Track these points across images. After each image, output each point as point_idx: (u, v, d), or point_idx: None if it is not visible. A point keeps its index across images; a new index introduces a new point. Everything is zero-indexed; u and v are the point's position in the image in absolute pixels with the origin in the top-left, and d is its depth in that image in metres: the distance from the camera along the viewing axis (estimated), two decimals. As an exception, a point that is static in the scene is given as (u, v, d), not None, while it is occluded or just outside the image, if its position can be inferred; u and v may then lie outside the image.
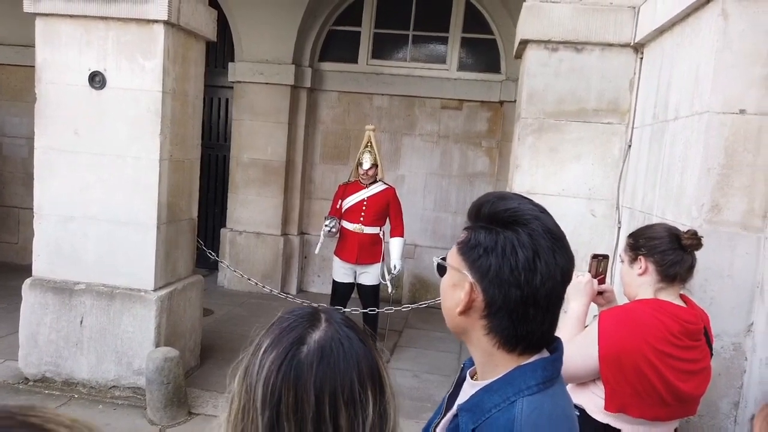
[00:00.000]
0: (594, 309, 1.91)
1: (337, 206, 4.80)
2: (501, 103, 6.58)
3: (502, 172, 5.96)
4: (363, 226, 4.69)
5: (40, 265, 3.89)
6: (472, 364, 1.05)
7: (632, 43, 3.18)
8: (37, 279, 3.88)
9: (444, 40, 6.77)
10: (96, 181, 3.77)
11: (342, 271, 4.84)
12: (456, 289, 0.97)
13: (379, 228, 4.79)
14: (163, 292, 3.86)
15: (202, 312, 4.57)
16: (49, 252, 3.87)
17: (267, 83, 6.49)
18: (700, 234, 1.76)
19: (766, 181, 2.13)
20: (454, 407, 0.99)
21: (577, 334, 1.76)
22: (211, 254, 4.52)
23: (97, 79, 3.67)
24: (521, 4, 3.43)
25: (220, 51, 6.79)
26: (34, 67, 3.83)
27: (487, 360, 0.97)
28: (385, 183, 4.83)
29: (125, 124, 3.71)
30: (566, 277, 0.94)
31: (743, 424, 2.18)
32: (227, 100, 7.06)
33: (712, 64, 2.14)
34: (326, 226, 4.67)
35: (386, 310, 4.69)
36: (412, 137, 6.80)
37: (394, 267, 4.78)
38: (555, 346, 0.98)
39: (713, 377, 2.14)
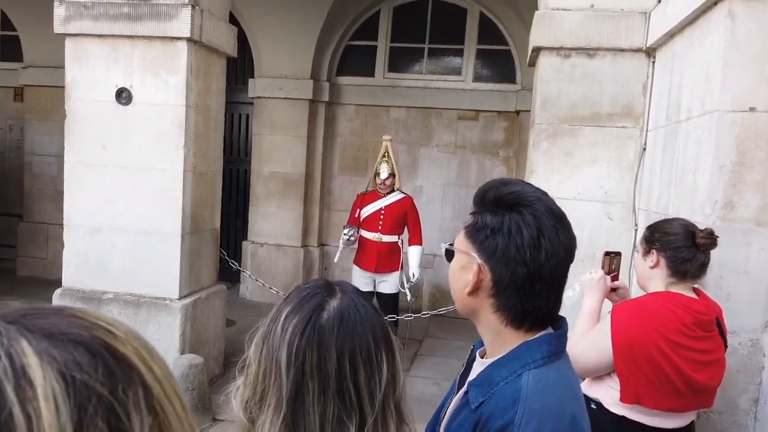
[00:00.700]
0: (608, 306, 1.94)
1: (356, 215, 4.87)
2: (517, 112, 6.62)
3: (520, 181, 5.98)
4: (381, 235, 4.75)
5: (69, 276, 4.02)
6: (482, 345, 1.11)
7: (644, 48, 3.22)
8: (66, 289, 4.00)
9: (459, 52, 6.85)
10: (122, 193, 3.90)
11: (361, 280, 4.90)
12: (464, 271, 1.02)
13: (397, 236, 4.85)
14: (188, 300, 3.95)
15: (226, 321, 4.65)
16: (78, 263, 4.00)
17: (286, 98, 6.63)
18: (716, 234, 1.78)
19: (778, 177, 2.14)
20: (465, 385, 1.04)
21: (591, 329, 1.80)
22: (233, 264, 4.62)
23: (123, 95, 3.81)
24: (534, 14, 3.50)
25: (240, 68, 6.96)
26: (62, 87, 3.99)
27: (495, 338, 1.02)
28: (402, 192, 4.90)
29: (150, 138, 3.84)
30: (569, 255, 0.99)
31: (764, 421, 2.18)
32: (248, 115, 7.21)
33: (721, 64, 2.17)
34: (345, 234, 4.74)
35: (405, 317, 4.73)
36: (429, 148, 6.88)
37: (413, 275, 4.82)
38: (560, 324, 1.03)
39: (732, 374, 2.15)
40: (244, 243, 6.96)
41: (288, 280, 6.68)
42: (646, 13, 3.21)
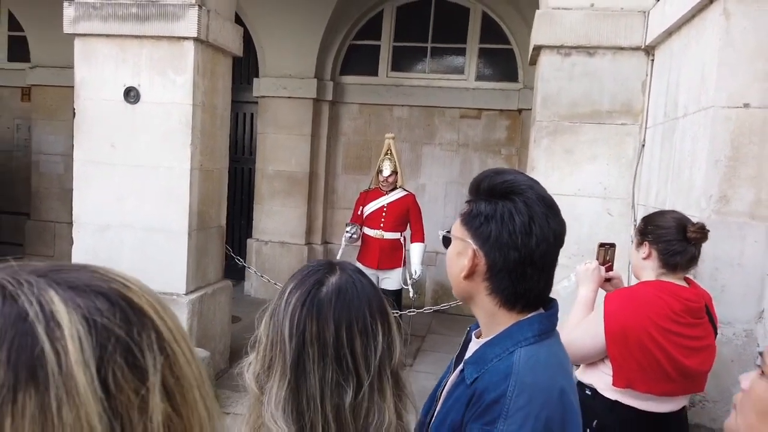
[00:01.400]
0: (603, 295, 1.99)
1: (359, 213, 4.94)
2: (519, 111, 6.68)
3: (522, 179, 6.04)
4: (383, 232, 4.81)
5: (78, 272, 4.08)
6: (477, 327, 1.17)
7: (643, 46, 3.27)
8: (75, 285, 4.07)
9: (462, 52, 6.91)
10: (131, 191, 3.97)
11: (365, 277, 4.96)
12: (460, 256, 1.09)
13: (399, 234, 4.91)
14: (194, 295, 4.03)
15: (231, 317, 4.72)
16: (88, 259, 4.07)
17: (290, 97, 6.70)
18: (708, 228, 1.84)
19: (772, 172, 2.20)
20: (462, 364, 1.10)
21: (586, 317, 1.86)
22: (239, 260, 4.69)
23: (131, 94, 3.88)
24: (535, 13, 3.56)
25: (245, 67, 7.03)
26: (68, 87, 4.07)
27: (489, 320, 1.08)
28: (404, 190, 4.96)
29: (158, 136, 3.91)
30: (558, 240, 1.05)
31: (757, 410, 2.23)
32: (252, 114, 7.29)
33: (716, 62, 2.23)
34: (347, 232, 4.80)
35: (408, 312, 4.79)
36: (432, 146, 6.93)
37: (415, 272, 4.88)
38: (551, 305, 1.09)
39: (726, 363, 2.21)
40: (248, 241, 7.03)
41: (292, 278, 6.74)
42: (645, 12, 3.27)
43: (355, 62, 7.07)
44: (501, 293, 1.05)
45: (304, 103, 6.70)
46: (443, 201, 6.91)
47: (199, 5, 3.76)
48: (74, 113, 4.04)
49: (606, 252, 2.04)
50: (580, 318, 1.88)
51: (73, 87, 4.03)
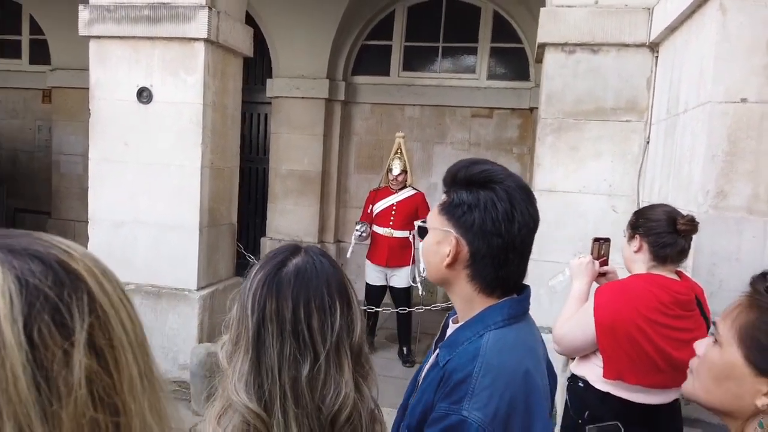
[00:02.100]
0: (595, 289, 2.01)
1: (368, 211, 4.99)
2: (531, 109, 6.66)
3: (533, 177, 6.04)
4: (393, 230, 4.85)
5: (93, 268, 4.19)
6: (455, 313, 1.20)
7: (647, 43, 3.27)
8: (91, 280, 4.18)
9: (473, 51, 6.92)
10: (144, 189, 4.07)
11: (374, 274, 5.01)
12: (441, 245, 1.12)
13: (408, 232, 4.94)
14: (206, 291, 4.11)
15: (242, 313, 4.80)
16: (102, 255, 4.11)
17: (303, 97, 6.77)
18: (697, 221, 1.85)
19: (770, 167, 2.20)
20: (437, 348, 1.14)
21: (578, 310, 1.88)
22: (250, 257, 4.77)
23: (144, 94, 3.98)
24: (540, 11, 3.57)
25: (258, 68, 7.13)
26: (87, 89, 4.18)
27: (466, 306, 1.12)
28: (414, 188, 5.00)
29: (170, 135, 4.00)
30: (536, 225, 1.10)
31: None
32: (266, 115, 7.38)
33: (713, 57, 2.23)
34: (357, 230, 4.86)
35: (416, 309, 4.82)
36: (443, 146, 6.96)
37: (424, 270, 4.90)
38: (523, 291, 1.12)
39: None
40: (262, 239, 7.13)
41: (305, 276, 6.82)
42: (649, 9, 3.27)
43: (366, 62, 7.12)
44: (482, 280, 1.09)
45: (317, 103, 6.77)
46: (455, 200, 6.92)
47: (209, 7, 3.84)
48: (90, 113, 4.16)
49: (600, 246, 2.06)
50: (573, 311, 1.90)
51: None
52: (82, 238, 6.83)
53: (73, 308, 0.43)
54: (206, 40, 3.89)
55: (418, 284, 4.93)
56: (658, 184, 2.99)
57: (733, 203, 2.24)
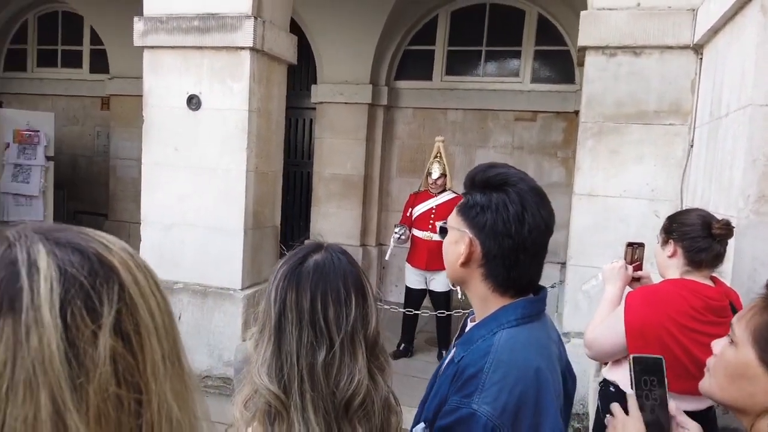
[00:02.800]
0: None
1: (408, 214, 5.04)
2: (576, 113, 6.57)
3: (576, 181, 5.96)
4: (432, 234, 4.88)
5: (145, 267, 4.40)
6: (474, 314, 1.24)
7: (692, 45, 3.21)
8: (143, 279, 4.39)
9: (517, 54, 6.88)
10: (192, 192, 4.24)
11: (413, 278, 5.06)
12: (457, 244, 1.17)
13: (449, 235, 4.96)
14: (249, 291, 4.25)
15: (285, 313, 4.93)
16: (153, 256, 4.37)
17: (346, 103, 6.89)
18: (732, 225, 1.82)
19: (815, 171, 2.13)
20: (454, 345, 1.19)
21: (610, 315, 1.88)
22: (292, 259, 4.90)
23: (193, 101, 4.16)
24: (580, 15, 3.55)
25: (304, 75, 7.29)
26: (142, 96, 4.40)
27: (482, 304, 1.16)
28: (454, 192, 5.01)
29: (217, 141, 4.16)
30: (549, 228, 1.12)
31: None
32: (311, 120, 7.54)
33: (754, 59, 2.19)
34: (396, 233, 4.91)
35: (455, 312, 4.84)
36: (485, 149, 6.94)
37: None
38: (540, 291, 1.15)
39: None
40: (306, 242, 7.24)
41: (347, 278, 6.92)
42: (693, 10, 3.20)
43: (409, 67, 7.19)
44: (495, 279, 1.13)
45: (360, 108, 6.88)
46: (497, 204, 6.88)
47: (255, 17, 3.98)
48: (143, 120, 4.37)
49: (634, 251, 2.05)
50: (605, 315, 1.90)
51: (143, 96, 4.37)
52: (136, 239, 7.13)
53: (103, 296, 0.49)
54: (252, 49, 4.03)
55: (458, 288, 4.93)
56: (701, 188, 2.93)
57: (776, 208, 2.19)
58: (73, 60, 8.41)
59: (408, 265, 5.08)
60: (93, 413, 0.47)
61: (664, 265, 1.86)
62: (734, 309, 1.77)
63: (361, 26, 6.67)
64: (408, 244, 5.09)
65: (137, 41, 4.23)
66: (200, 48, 4.12)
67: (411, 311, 4.97)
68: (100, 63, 8.11)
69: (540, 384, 1.02)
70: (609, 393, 1.90)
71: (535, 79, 6.83)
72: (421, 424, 1.08)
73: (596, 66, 3.43)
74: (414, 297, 5.11)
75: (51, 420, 0.45)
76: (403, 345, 5.17)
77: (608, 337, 1.81)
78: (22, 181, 6.57)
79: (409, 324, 5.16)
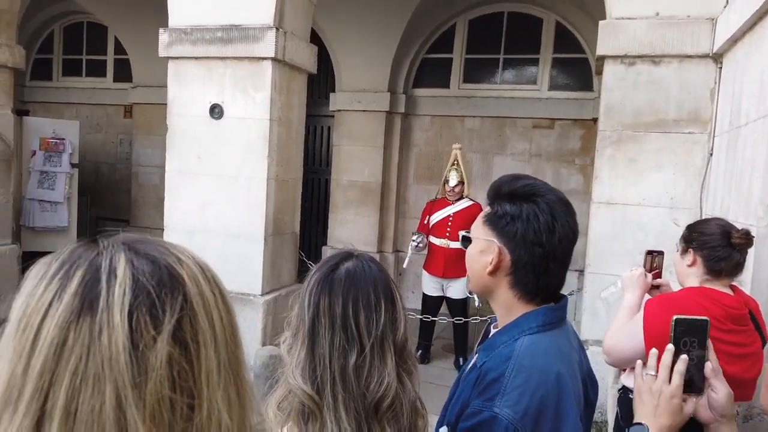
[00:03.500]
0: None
1: (425, 222, 5.07)
2: (594, 120, 6.56)
3: (594, 189, 5.95)
4: (449, 241, 4.91)
5: (168, 273, 4.49)
6: (497, 319, 1.28)
7: (711, 54, 3.22)
8: (165, 284, 4.48)
9: (535, 62, 6.90)
10: (214, 199, 4.32)
11: (430, 285, 5.08)
12: (483, 254, 1.20)
13: (466, 242, 4.99)
14: (269, 296, 4.31)
15: (304, 319, 4.98)
16: (176, 261, 4.46)
17: (364, 110, 6.96)
18: (752, 234, 1.83)
19: (836, 181, 2.14)
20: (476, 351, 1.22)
21: (628, 322, 1.89)
22: (311, 265, 4.93)
23: (216, 110, 4.24)
24: (599, 24, 3.58)
25: (323, 83, 7.38)
26: (164, 104, 4.50)
27: (506, 312, 1.20)
28: (471, 199, 5.04)
29: (238, 149, 4.24)
30: (575, 237, 1.17)
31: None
32: (329, 128, 7.62)
33: (774, 68, 2.20)
34: (413, 241, 4.95)
35: (472, 320, 4.85)
36: (503, 157, 6.96)
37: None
38: (561, 300, 1.18)
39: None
40: (323, 248, 7.34)
41: (364, 284, 6.96)
42: (713, 20, 3.21)
43: (427, 75, 7.24)
44: (523, 286, 1.16)
45: (378, 116, 6.94)
46: (514, 211, 6.89)
47: (276, 27, 4.06)
48: (167, 128, 4.47)
49: (653, 259, 2.06)
50: (623, 323, 1.92)
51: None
52: (157, 245, 7.27)
53: (166, 305, 0.54)
54: (273, 59, 4.11)
55: (475, 295, 4.95)
56: (720, 197, 2.93)
57: (796, 217, 2.19)
58: (97, 69, 8.61)
59: (425, 273, 5.11)
60: (149, 412, 0.51)
61: (684, 273, 1.88)
62: (754, 317, 1.78)
63: (380, 35, 6.74)
64: (425, 252, 5.12)
65: (162, 52, 4.33)
66: (223, 58, 4.21)
67: (428, 318, 4.99)
68: (123, 72, 8.28)
69: (560, 389, 1.05)
70: (628, 400, 1.92)
71: (552, 87, 6.84)
72: (444, 428, 1.12)
73: (615, 75, 3.45)
74: (431, 304, 5.13)
75: (114, 412, 0.50)
76: (420, 352, 5.20)
77: (627, 343, 1.83)
78: (47, 188, 6.72)
79: (426, 331, 5.18)
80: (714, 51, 3.17)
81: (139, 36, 7.52)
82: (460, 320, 4.89)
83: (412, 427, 0.99)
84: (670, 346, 1.13)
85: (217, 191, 4.31)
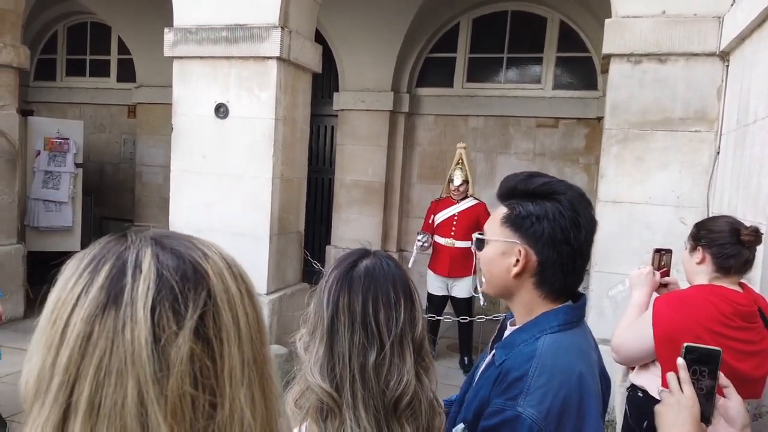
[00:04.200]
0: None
1: (430, 221, 5.07)
2: (598, 119, 6.55)
3: (599, 188, 5.94)
4: (454, 241, 4.91)
5: (173, 272, 4.50)
6: (512, 316, 1.27)
7: (718, 52, 3.21)
8: (170, 283, 4.48)
9: (539, 61, 6.89)
10: (219, 198, 4.32)
11: (435, 284, 5.08)
12: (505, 256, 1.17)
13: (470, 242, 4.99)
14: (275, 296, 4.31)
15: (308, 318, 4.99)
16: (181, 260, 4.46)
17: (368, 110, 6.96)
18: (761, 231, 1.83)
19: None
20: (494, 348, 1.22)
21: (637, 320, 1.89)
22: (316, 264, 4.95)
23: (221, 110, 4.24)
24: (605, 23, 3.57)
25: (326, 83, 7.38)
26: (168, 104, 4.50)
27: (527, 312, 1.18)
28: (475, 198, 5.04)
29: (243, 148, 4.24)
30: (595, 230, 1.17)
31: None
32: (332, 127, 7.62)
33: (783, 66, 2.19)
34: (418, 240, 4.95)
35: (477, 319, 4.85)
36: (507, 156, 6.95)
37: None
38: (580, 298, 1.18)
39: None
40: (327, 247, 7.34)
41: (368, 284, 6.96)
42: (719, 18, 3.20)
43: (430, 74, 7.23)
44: (550, 286, 1.15)
45: (381, 116, 6.94)
46: (518, 210, 6.88)
47: (281, 27, 4.06)
48: (172, 128, 4.47)
49: (661, 257, 2.06)
50: (631, 321, 1.92)
51: (171, 104, 4.46)
52: (161, 244, 7.29)
53: (189, 300, 0.53)
54: (278, 58, 4.11)
55: (480, 294, 4.95)
56: (728, 195, 2.92)
57: (806, 215, 2.19)
58: (100, 69, 8.62)
59: (430, 272, 5.11)
60: (170, 408, 0.51)
61: (693, 271, 1.87)
62: (763, 315, 1.77)
63: (383, 34, 6.74)
64: (430, 251, 5.12)
65: (167, 51, 4.33)
66: (228, 58, 4.21)
67: (433, 317, 4.99)
68: (127, 72, 8.29)
69: (583, 389, 1.04)
70: (637, 398, 1.92)
71: (556, 86, 6.83)
72: (461, 425, 1.11)
73: (621, 73, 3.44)
74: (436, 303, 5.13)
75: (135, 407, 0.50)
76: (425, 351, 5.19)
77: (636, 341, 1.83)
78: (51, 188, 6.72)
79: (431, 330, 5.18)
80: (721, 49, 3.16)
81: (142, 36, 7.53)
82: (465, 319, 4.89)
83: (430, 425, 0.99)
84: (681, 361, 1.11)
85: (221, 190, 4.32)
